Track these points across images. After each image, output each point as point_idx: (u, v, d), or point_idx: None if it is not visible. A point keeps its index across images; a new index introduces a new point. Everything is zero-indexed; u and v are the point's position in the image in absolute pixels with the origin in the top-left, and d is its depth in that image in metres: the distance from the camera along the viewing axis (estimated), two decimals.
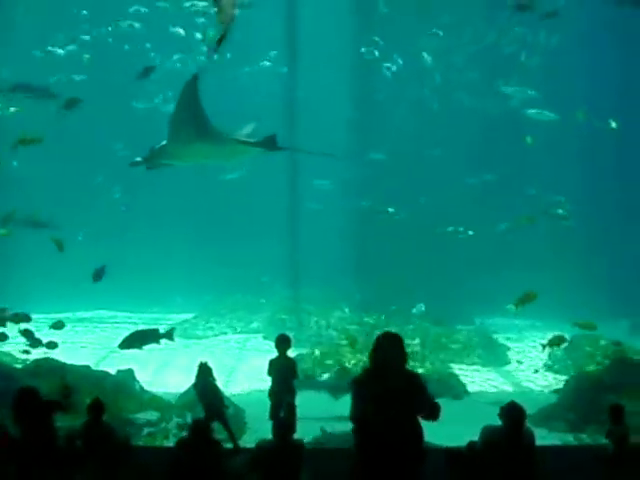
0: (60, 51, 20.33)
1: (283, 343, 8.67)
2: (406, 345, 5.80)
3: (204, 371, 8.70)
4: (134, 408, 10.30)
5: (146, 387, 11.80)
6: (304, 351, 13.99)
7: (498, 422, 6.10)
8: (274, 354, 8.74)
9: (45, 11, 20.73)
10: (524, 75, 19.38)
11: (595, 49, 19.96)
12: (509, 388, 14.04)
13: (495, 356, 16.15)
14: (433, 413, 5.56)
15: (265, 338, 17.55)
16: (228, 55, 19.43)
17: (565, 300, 17.67)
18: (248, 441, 9.20)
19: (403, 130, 20.19)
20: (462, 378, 13.57)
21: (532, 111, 18.31)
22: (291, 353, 8.96)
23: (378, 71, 19.84)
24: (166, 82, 19.80)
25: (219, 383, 9.01)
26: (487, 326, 18.36)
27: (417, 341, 15.05)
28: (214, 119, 9.81)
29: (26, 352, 12.56)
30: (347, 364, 13.28)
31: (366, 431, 5.48)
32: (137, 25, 19.37)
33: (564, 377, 13.44)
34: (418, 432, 5.54)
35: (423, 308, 17.19)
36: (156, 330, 11.83)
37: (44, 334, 13.97)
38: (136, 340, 11.68)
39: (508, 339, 17.89)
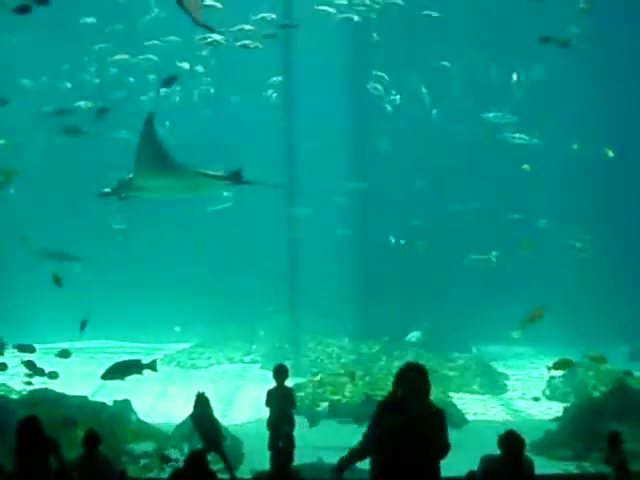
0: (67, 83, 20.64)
1: (281, 373, 8.64)
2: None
3: (201, 402, 8.66)
4: (130, 439, 10.23)
5: (143, 417, 11.72)
6: (302, 380, 13.93)
7: (497, 451, 6.08)
8: (272, 384, 8.71)
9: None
10: (512, 104, 19.55)
11: (583, 77, 20.18)
12: (508, 416, 13.97)
13: (493, 384, 16.09)
14: (442, 452, 5.53)
15: (263, 368, 17.50)
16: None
17: (563, 327, 17.64)
18: (244, 472, 9.14)
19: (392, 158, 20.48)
20: (460, 407, 13.53)
21: (517, 136, 18.58)
22: (289, 383, 8.93)
23: (374, 103, 20.09)
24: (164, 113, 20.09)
25: (217, 413, 8.97)
26: (484, 353, 18.32)
27: None
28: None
29: (28, 383, 12.52)
30: (344, 395, 13.27)
31: (367, 454, 5.61)
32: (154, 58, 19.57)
33: (564, 405, 13.39)
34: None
35: (419, 336, 17.14)
36: (138, 361, 11.77)
37: (46, 362, 13.90)
38: (118, 371, 11.60)
39: (506, 366, 17.84)
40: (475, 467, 6.20)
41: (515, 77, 19.96)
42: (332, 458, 9.31)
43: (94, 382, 15.63)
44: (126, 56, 19.69)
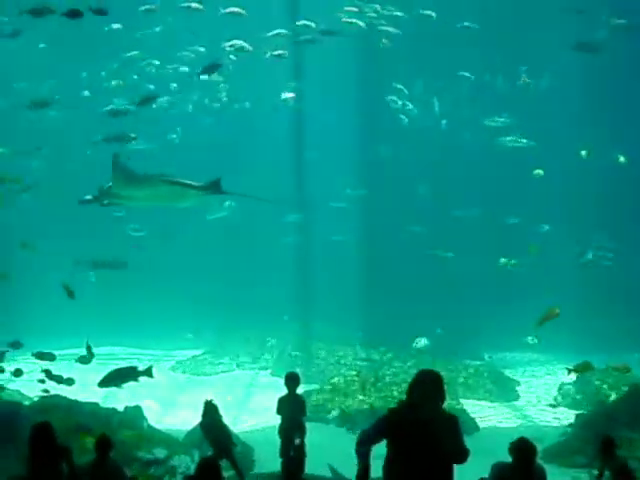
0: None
1: (292, 381, 8.64)
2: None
3: (210, 409, 8.66)
4: (141, 445, 10.24)
5: (154, 424, 11.75)
6: (313, 387, 13.92)
7: (508, 458, 6.05)
8: (283, 391, 8.71)
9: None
10: (516, 111, 19.55)
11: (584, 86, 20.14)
12: (519, 423, 13.89)
13: (505, 391, 16.02)
14: (461, 457, 5.51)
15: (274, 375, 17.50)
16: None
17: (576, 335, 17.54)
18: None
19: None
20: (472, 414, 13.47)
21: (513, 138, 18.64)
22: (300, 390, 8.92)
23: (379, 110, 20.18)
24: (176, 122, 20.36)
25: (227, 420, 8.96)
26: (496, 361, 18.25)
27: None
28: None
29: (45, 390, 12.58)
30: (355, 402, 13.27)
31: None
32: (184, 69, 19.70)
33: (575, 411, 13.30)
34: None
35: (427, 342, 17.07)
36: (134, 368, 11.79)
37: (62, 368, 13.96)
38: (115, 378, 11.63)
39: (517, 374, 17.76)
40: (486, 474, 6.17)
41: (522, 81, 19.95)
42: (342, 465, 9.40)
43: (103, 389, 15.69)
44: (157, 62, 19.85)
